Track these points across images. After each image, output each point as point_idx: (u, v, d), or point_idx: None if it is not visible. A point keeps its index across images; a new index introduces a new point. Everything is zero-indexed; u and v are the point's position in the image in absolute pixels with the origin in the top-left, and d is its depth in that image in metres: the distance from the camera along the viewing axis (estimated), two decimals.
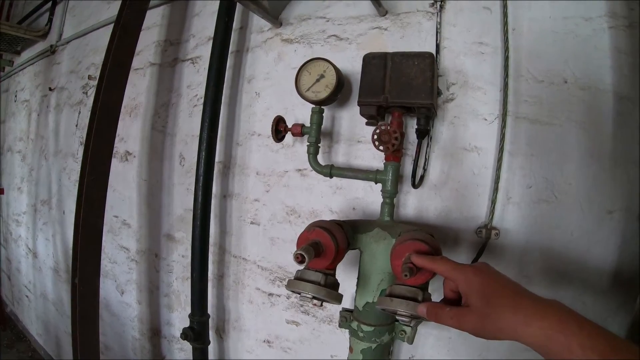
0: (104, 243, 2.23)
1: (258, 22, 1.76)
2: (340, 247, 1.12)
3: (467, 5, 1.45)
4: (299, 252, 0.99)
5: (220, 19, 1.68)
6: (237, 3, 1.66)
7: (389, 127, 1.24)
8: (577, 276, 1.29)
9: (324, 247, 1.09)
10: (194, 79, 1.91)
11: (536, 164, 1.35)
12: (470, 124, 1.41)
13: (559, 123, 1.34)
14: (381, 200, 1.31)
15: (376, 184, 1.34)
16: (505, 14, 1.39)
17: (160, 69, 2.06)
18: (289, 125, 1.46)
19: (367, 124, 1.37)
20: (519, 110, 1.37)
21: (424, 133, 1.33)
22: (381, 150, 1.25)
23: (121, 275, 2.26)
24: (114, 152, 2.12)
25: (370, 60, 1.34)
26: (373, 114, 1.31)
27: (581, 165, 1.30)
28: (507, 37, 1.37)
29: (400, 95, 1.28)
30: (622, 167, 1.26)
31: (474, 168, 1.40)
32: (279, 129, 1.46)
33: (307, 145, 1.42)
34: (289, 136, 1.47)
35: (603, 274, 1.26)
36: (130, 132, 2.14)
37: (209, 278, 1.78)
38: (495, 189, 1.34)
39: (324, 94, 1.39)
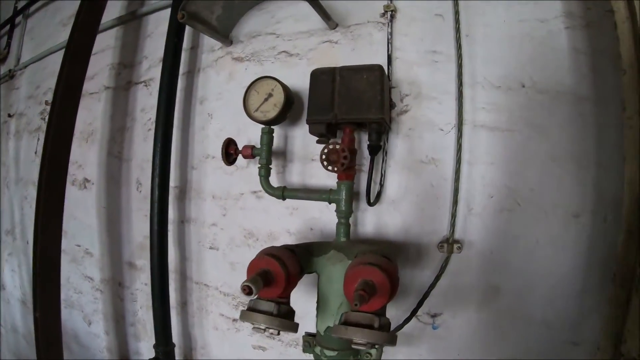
0: (68, 273, 2.18)
1: (209, 41, 1.69)
2: (291, 275, 1.04)
3: (418, 14, 1.39)
4: (246, 283, 0.92)
5: (170, 40, 1.61)
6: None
7: (337, 146, 1.19)
8: (545, 282, 1.24)
9: (274, 276, 1.02)
10: (147, 102, 1.83)
11: (497, 172, 1.30)
12: (426, 135, 1.35)
13: (519, 129, 1.29)
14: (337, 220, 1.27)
15: (330, 204, 1.28)
16: (457, 20, 1.35)
17: (115, 93, 1.98)
18: (241, 146, 1.41)
19: (318, 142, 1.30)
20: (476, 118, 1.32)
21: (376, 148, 1.27)
22: (330, 170, 1.20)
23: (87, 306, 2.16)
24: (72, 179, 2.08)
25: (319, 76, 1.29)
26: (323, 132, 1.25)
27: (544, 170, 1.26)
28: (459, 44, 1.32)
29: (350, 110, 1.21)
30: (586, 169, 1.22)
31: (432, 180, 1.34)
32: (229, 152, 1.41)
33: (259, 168, 1.35)
34: (242, 157, 1.43)
35: (572, 279, 1.22)
36: (88, 159, 2.05)
37: (172, 306, 1.69)
38: (455, 201, 1.29)
39: (272, 113, 1.33)
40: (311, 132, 1.28)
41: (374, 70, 1.23)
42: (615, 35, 1.11)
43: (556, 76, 1.28)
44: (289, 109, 1.35)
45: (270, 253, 1.06)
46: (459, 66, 1.32)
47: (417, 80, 1.38)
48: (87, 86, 2.02)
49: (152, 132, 1.75)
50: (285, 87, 1.32)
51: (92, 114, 2.03)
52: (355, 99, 1.22)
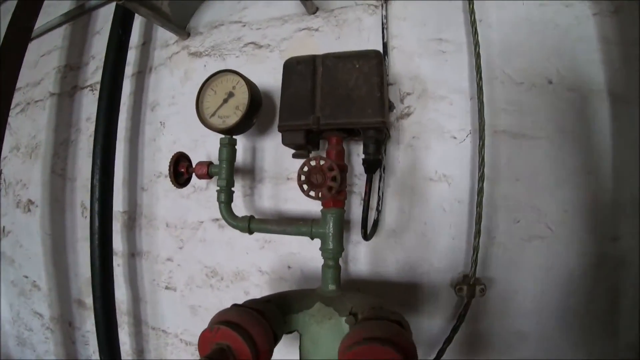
0: (18, 307, 1.64)
1: (163, 34, 1.21)
2: (261, 353, 0.64)
3: None
4: None
5: (113, 32, 1.13)
6: (136, 13, 1.12)
7: (321, 163, 0.72)
8: (580, 323, 0.87)
9: (236, 355, 0.62)
10: (93, 110, 1.20)
11: (522, 190, 0.91)
12: (434, 145, 0.93)
13: (547, 135, 0.91)
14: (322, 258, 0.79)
15: (312, 239, 0.82)
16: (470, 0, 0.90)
17: (60, 100, 1.46)
18: (196, 162, 0.92)
19: (294, 156, 0.85)
20: (496, 122, 0.91)
21: (374, 164, 0.81)
22: (312, 197, 0.73)
23: (39, 345, 1.64)
24: (17, 200, 1.54)
25: (294, 67, 0.84)
26: (301, 143, 0.80)
27: (577, 186, 0.89)
28: (475, 29, 0.89)
29: (337, 113, 0.77)
30: (625, 183, 0.87)
31: (443, 203, 0.92)
32: (179, 170, 0.92)
33: (217, 191, 0.89)
34: (196, 177, 0.93)
35: (613, 317, 0.86)
36: (32, 177, 1.50)
37: (127, 353, 1.21)
38: (478, 232, 0.85)
39: (233, 118, 0.86)
40: (285, 142, 0.82)
41: (370, 57, 0.79)
42: None
43: (587, 71, 0.91)
44: (256, 112, 0.88)
45: (228, 321, 0.65)
46: (477, 56, 0.88)
47: (420, 74, 0.94)
48: (33, 94, 1.51)
49: None
50: (250, 84, 0.86)
51: (36, 125, 1.49)
52: (344, 97, 0.78)
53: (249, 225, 0.85)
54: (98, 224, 1.10)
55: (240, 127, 0.87)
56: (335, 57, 0.81)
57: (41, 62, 1.51)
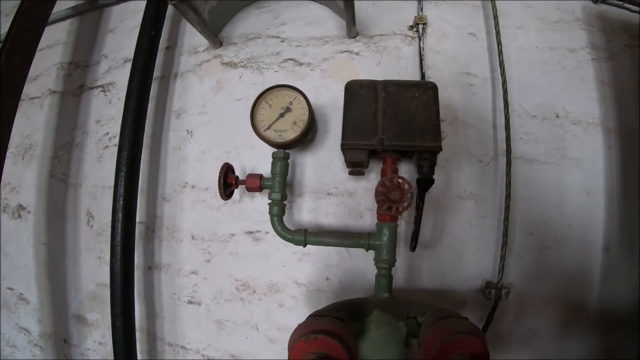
0: None
1: (190, 40, 1.19)
2: (354, 357, 0.68)
3: (450, 29, 1.09)
4: None
5: (144, 32, 1.09)
6: (167, 14, 1.10)
7: (398, 181, 0.78)
8: (582, 320, 1.04)
9: None
10: (104, 112, 1.24)
11: (535, 208, 1.05)
12: (464, 167, 1.03)
13: (555, 161, 1.07)
14: (365, 267, 0.86)
15: (367, 251, 0.87)
16: (499, 42, 1.03)
17: (63, 99, 1.33)
18: (241, 175, 0.93)
19: (351, 173, 0.90)
20: (514, 149, 1.03)
21: (429, 183, 0.90)
22: (389, 213, 0.79)
23: None
24: (4, 205, 1.38)
25: (357, 90, 0.89)
26: (363, 160, 0.86)
27: (579, 204, 1.05)
28: (503, 68, 1.02)
29: (400, 136, 0.84)
30: (615, 203, 1.05)
31: (471, 219, 1.03)
32: (229, 181, 0.92)
33: (270, 204, 0.91)
34: (246, 190, 0.94)
35: (605, 315, 1.04)
36: (24, 180, 1.35)
37: None
38: (505, 243, 0.97)
39: (291, 134, 0.89)
40: (347, 159, 0.87)
41: (427, 87, 0.88)
42: None
43: (586, 107, 1.10)
44: (312, 129, 0.92)
45: (324, 330, 0.67)
46: (505, 92, 1.00)
47: (452, 104, 1.05)
48: (28, 90, 1.36)
49: (110, 150, 1.22)
50: (309, 101, 0.89)
51: (31, 123, 1.34)
52: (406, 123, 0.85)
53: (305, 238, 0.88)
54: (121, 235, 1.04)
55: (296, 142, 0.90)
56: (395, 84, 0.88)
57: (39, 56, 1.37)
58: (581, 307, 1.05)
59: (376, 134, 0.84)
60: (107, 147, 1.20)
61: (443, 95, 1.04)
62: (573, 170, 1.05)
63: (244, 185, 0.93)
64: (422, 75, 1.03)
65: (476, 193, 1.02)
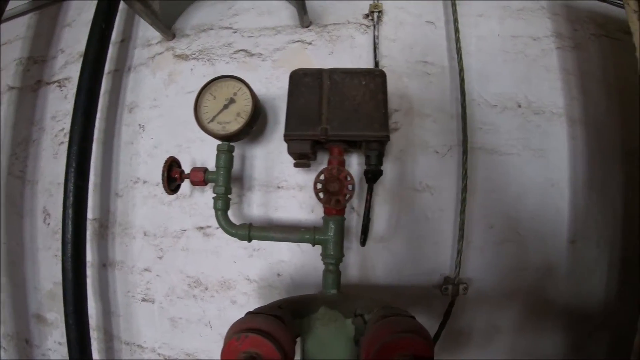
0: None
1: (144, 33, 1.16)
2: (288, 356, 0.65)
3: (408, 18, 1.05)
4: None
5: (96, 25, 1.06)
6: (120, 4, 1.08)
7: (338, 172, 0.76)
8: (547, 315, 1.02)
9: None
10: (60, 108, 1.21)
11: (496, 200, 1.02)
12: (420, 158, 0.99)
13: (517, 152, 1.03)
14: (317, 263, 0.83)
15: (314, 245, 0.85)
16: (456, 29, 1.00)
17: (21, 95, 1.29)
18: (186, 169, 0.91)
19: (296, 165, 0.86)
20: (473, 139, 1.00)
21: (377, 175, 0.85)
22: (328, 205, 0.77)
23: None
24: None
25: (301, 79, 0.85)
26: (307, 152, 0.82)
27: (543, 196, 1.02)
28: (460, 56, 0.99)
29: (345, 125, 0.80)
30: (580, 195, 1.02)
31: (427, 211, 0.99)
32: (173, 176, 0.89)
33: (214, 198, 0.87)
34: (186, 183, 0.92)
35: (571, 310, 1.02)
36: None
37: None
38: (461, 237, 0.94)
39: (235, 125, 0.85)
40: (290, 151, 0.84)
41: (375, 75, 0.84)
42: (631, 56, 0.83)
43: (550, 97, 1.07)
44: (257, 120, 0.90)
45: (256, 328, 0.65)
46: (461, 80, 0.97)
47: (407, 93, 1.01)
48: None
49: (64, 146, 1.15)
50: (253, 92, 0.87)
51: None
52: (351, 111, 0.82)
53: (249, 233, 0.84)
54: (72, 233, 1.02)
55: (240, 134, 0.86)
56: (342, 72, 0.85)
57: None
58: (546, 301, 1.02)
59: (320, 123, 0.81)
60: (62, 143, 1.17)
61: (398, 85, 1.02)
62: (536, 161, 1.01)
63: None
64: (376, 64, 0.99)
65: (433, 185, 0.98)
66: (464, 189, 0.93)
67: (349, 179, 0.74)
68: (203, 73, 1.05)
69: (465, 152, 0.94)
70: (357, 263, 0.97)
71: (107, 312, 1.12)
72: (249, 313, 0.74)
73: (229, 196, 0.89)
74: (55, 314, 1.20)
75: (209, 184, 0.90)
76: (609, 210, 1.05)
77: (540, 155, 1.02)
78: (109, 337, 1.12)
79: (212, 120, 0.87)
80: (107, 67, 1.14)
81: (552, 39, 1.08)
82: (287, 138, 0.82)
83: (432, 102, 1.01)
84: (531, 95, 1.04)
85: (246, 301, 1.00)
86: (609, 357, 1.06)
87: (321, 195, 0.75)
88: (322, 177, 0.75)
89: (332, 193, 0.75)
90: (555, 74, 1.06)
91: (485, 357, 1.01)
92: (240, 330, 0.65)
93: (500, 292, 1.00)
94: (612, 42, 1.12)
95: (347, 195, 0.74)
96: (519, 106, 1.03)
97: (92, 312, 1.12)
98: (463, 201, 0.93)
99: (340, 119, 0.81)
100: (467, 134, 0.95)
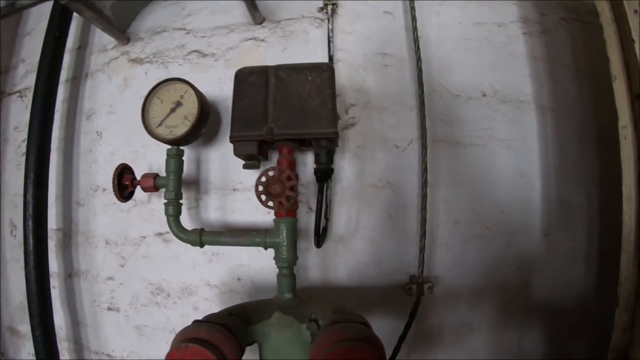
0: None
1: (101, 39, 1.14)
2: None
3: (364, 9, 1.01)
4: None
5: (50, 33, 1.05)
6: (74, 13, 1.07)
7: (279, 173, 0.74)
8: (522, 311, 0.99)
9: None
10: (22, 118, 1.19)
11: (462, 194, 0.98)
12: (379, 153, 0.96)
13: (483, 143, 0.99)
14: (275, 267, 0.81)
15: (266, 249, 0.82)
16: (413, 18, 0.97)
17: None
18: (139, 175, 0.89)
19: (245, 166, 0.84)
20: (435, 132, 0.97)
21: (327, 174, 0.83)
22: (271, 207, 0.75)
23: None
24: None
25: (246, 78, 0.83)
26: (253, 153, 0.79)
27: (512, 188, 0.98)
28: (418, 46, 0.95)
29: (291, 124, 0.78)
30: (552, 185, 0.99)
31: (389, 209, 0.96)
32: (124, 183, 0.88)
33: (165, 204, 0.85)
34: (142, 190, 0.90)
35: (549, 305, 0.99)
36: None
37: None
38: (423, 234, 0.90)
39: (182, 128, 0.83)
40: (237, 153, 0.81)
41: (322, 69, 0.81)
42: (602, 38, 0.82)
43: (518, 84, 1.03)
44: (204, 123, 0.87)
45: (197, 338, 0.63)
46: (419, 71, 0.93)
47: (364, 87, 0.98)
48: None
49: None
50: (199, 94, 0.85)
51: None
52: (297, 109, 0.79)
53: (200, 238, 0.82)
54: (33, 244, 1.00)
55: (188, 137, 0.83)
56: (288, 68, 0.82)
57: None
58: (522, 297, 0.99)
59: (266, 123, 0.78)
60: (24, 154, 1.16)
61: (355, 79, 0.98)
62: (503, 152, 0.98)
63: None
64: (330, 58, 0.96)
65: (394, 181, 0.95)
66: (425, 184, 0.90)
67: (291, 179, 0.72)
68: (157, 76, 1.03)
69: (424, 146, 0.91)
70: (317, 265, 0.95)
71: (75, 322, 1.11)
72: (195, 321, 0.72)
73: (180, 202, 0.87)
74: (27, 326, 1.18)
75: (161, 190, 0.88)
76: (584, 201, 1.02)
77: (508, 146, 0.98)
78: (79, 347, 1.12)
79: (160, 125, 0.85)
80: (65, 74, 1.14)
81: (519, 25, 1.04)
82: (233, 139, 0.80)
83: (391, 95, 0.97)
84: (497, 84, 1.00)
85: (208, 307, 0.98)
86: (589, 352, 1.03)
87: (263, 197, 0.72)
88: (263, 178, 0.72)
89: (275, 195, 0.72)
90: (523, 61, 1.02)
91: (457, 357, 0.98)
92: (183, 340, 0.63)
93: (472, 289, 0.97)
94: (583, 26, 1.08)
95: (290, 197, 0.72)
96: (484, 95, 1.00)
97: (62, 322, 1.11)
98: (424, 196, 0.90)
99: (286, 117, 0.79)
100: (426, 126, 0.92)
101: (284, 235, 0.79)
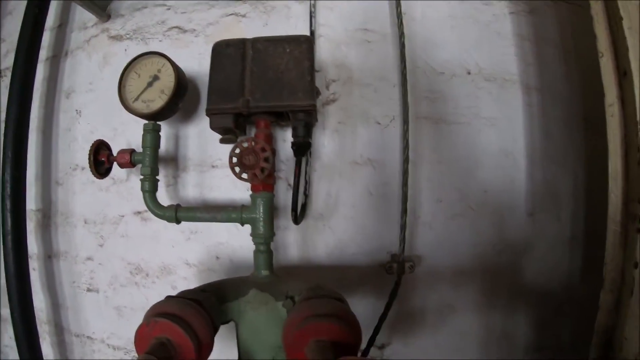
0: None
1: (81, 16, 1.12)
2: (203, 344, 0.62)
3: None
4: None
5: (29, 11, 1.03)
6: None
7: (253, 144, 0.72)
8: (506, 293, 0.99)
9: (177, 348, 0.59)
10: (2, 99, 1.12)
11: (445, 172, 0.97)
12: (360, 130, 0.95)
13: (467, 121, 0.98)
14: (252, 244, 0.80)
15: (243, 225, 0.82)
16: None
17: None
18: (117, 151, 0.88)
19: (221, 141, 0.82)
20: (419, 109, 0.96)
21: (304, 147, 0.81)
22: (245, 179, 0.74)
23: None
24: None
25: (223, 50, 0.81)
26: (229, 127, 0.78)
27: (496, 167, 0.98)
28: (401, 21, 0.94)
29: (268, 96, 0.77)
30: (538, 165, 0.99)
31: (369, 186, 0.94)
32: (100, 159, 0.86)
33: (141, 180, 0.84)
34: (119, 166, 0.89)
35: (533, 280, 0.99)
36: None
37: None
38: (404, 211, 0.89)
39: (158, 102, 0.82)
40: (213, 126, 0.80)
41: (300, 41, 0.80)
42: (590, 15, 0.80)
43: (503, 63, 1.02)
44: (181, 96, 0.86)
45: (166, 313, 0.62)
46: (402, 46, 0.92)
47: (346, 62, 0.97)
48: None
49: None
50: (176, 67, 0.84)
51: None
52: (274, 81, 0.78)
53: (176, 214, 0.81)
54: (11, 224, 1.00)
55: (165, 112, 0.82)
56: (266, 40, 0.80)
57: None
58: (506, 278, 0.98)
59: (242, 95, 0.77)
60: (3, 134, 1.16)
61: (336, 54, 0.97)
62: (487, 131, 0.96)
63: None
64: (312, 33, 0.94)
65: (375, 158, 0.93)
66: (406, 160, 0.89)
67: (265, 150, 0.71)
68: (137, 53, 1.00)
69: (406, 122, 0.90)
70: (296, 243, 0.94)
71: (55, 304, 1.10)
72: (168, 297, 0.71)
73: (157, 178, 0.86)
74: (8, 310, 1.19)
75: (138, 166, 0.87)
76: (570, 182, 1.01)
77: (493, 124, 0.97)
78: (59, 330, 1.11)
79: (136, 99, 0.84)
80: (45, 53, 1.12)
81: (506, 4, 1.02)
82: (209, 112, 0.78)
83: (374, 71, 0.96)
84: (482, 62, 0.99)
85: (186, 286, 0.95)
86: (575, 334, 1.03)
87: (237, 169, 0.71)
88: (237, 150, 0.71)
89: (249, 167, 0.71)
90: (509, 40, 1.01)
91: (441, 338, 0.97)
92: (153, 314, 0.62)
93: (455, 269, 0.96)
94: (570, 7, 1.06)
95: (264, 168, 0.71)
96: (469, 73, 0.98)
97: (42, 305, 1.10)
98: (405, 173, 0.89)
99: (263, 89, 0.77)
100: (407, 102, 0.90)
101: (261, 211, 0.78)
